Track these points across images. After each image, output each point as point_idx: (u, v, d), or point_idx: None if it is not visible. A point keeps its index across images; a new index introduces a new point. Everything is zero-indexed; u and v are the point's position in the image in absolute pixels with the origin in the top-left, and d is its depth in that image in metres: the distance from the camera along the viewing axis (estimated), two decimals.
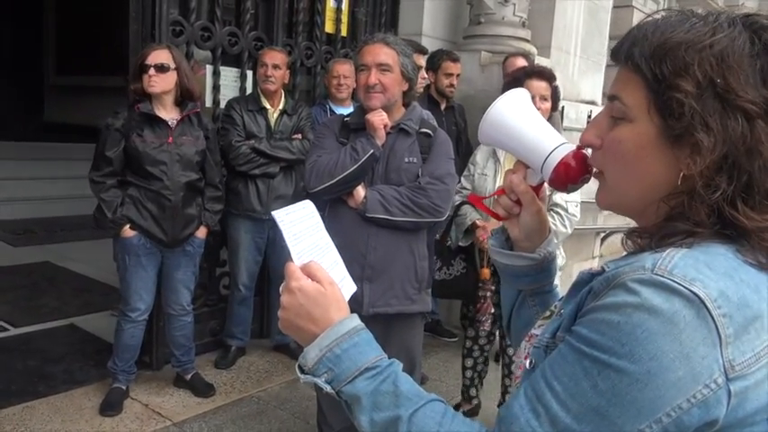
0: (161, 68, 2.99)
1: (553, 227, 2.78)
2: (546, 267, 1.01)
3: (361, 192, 2.35)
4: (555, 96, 2.96)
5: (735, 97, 0.70)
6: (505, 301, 1.11)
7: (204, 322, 3.80)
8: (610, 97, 0.81)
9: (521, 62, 4.00)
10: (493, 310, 2.99)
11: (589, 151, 0.88)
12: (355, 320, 0.86)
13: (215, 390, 3.42)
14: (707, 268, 0.68)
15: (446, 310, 4.75)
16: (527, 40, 4.83)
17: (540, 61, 4.62)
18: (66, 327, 4.22)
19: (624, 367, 0.65)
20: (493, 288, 2.97)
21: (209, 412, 3.23)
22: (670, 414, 0.65)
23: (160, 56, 3.00)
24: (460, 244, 3.02)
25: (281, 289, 0.88)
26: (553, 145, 0.90)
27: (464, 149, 4.39)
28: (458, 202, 2.98)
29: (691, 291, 0.65)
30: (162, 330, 3.46)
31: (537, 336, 0.87)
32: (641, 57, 0.75)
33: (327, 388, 0.82)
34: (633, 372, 0.65)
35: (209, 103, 3.76)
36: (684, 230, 0.73)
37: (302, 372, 0.85)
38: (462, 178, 3.08)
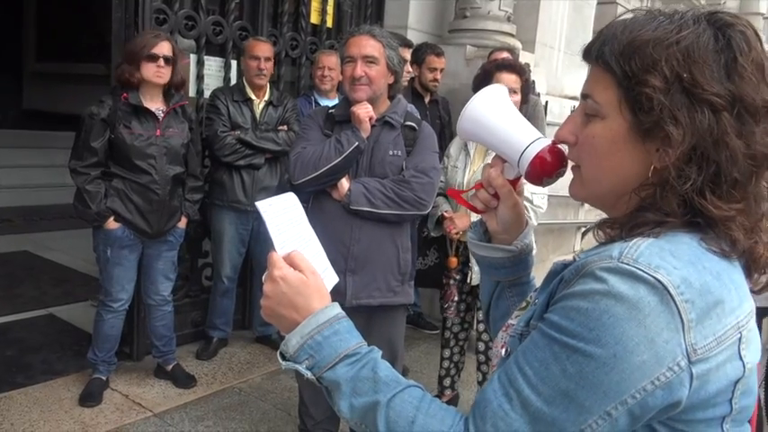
0: (168, 60, 2.99)
1: None
2: (523, 259, 1.04)
3: (345, 184, 2.35)
4: (525, 90, 3.00)
5: (701, 91, 0.73)
6: (484, 292, 1.14)
7: (186, 313, 3.78)
8: (582, 96, 0.84)
9: (506, 56, 4.01)
10: (456, 298, 3.09)
11: (565, 147, 0.90)
12: (336, 309, 0.87)
13: (196, 381, 3.41)
14: (671, 256, 0.70)
15: (428, 302, 4.77)
16: (512, 35, 4.85)
17: (525, 56, 4.64)
18: (44, 317, 4.18)
19: (591, 351, 0.68)
20: (457, 277, 3.06)
21: (191, 403, 3.22)
22: (635, 396, 0.68)
23: (166, 47, 2.99)
24: (433, 234, 3.07)
25: (263, 278, 0.89)
26: (529, 140, 0.93)
27: (447, 143, 4.40)
28: None
29: (655, 278, 0.68)
30: (142, 321, 3.44)
31: (513, 325, 0.90)
32: (611, 55, 0.78)
33: (308, 374, 0.84)
34: (600, 355, 0.68)
35: (192, 93, 3.73)
36: (654, 220, 0.76)
37: (283, 358, 0.86)
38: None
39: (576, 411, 0.69)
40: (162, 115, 3.07)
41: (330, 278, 0.98)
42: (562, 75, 5.54)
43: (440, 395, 3.31)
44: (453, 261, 3.04)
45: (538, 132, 0.94)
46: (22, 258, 5.40)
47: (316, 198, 2.42)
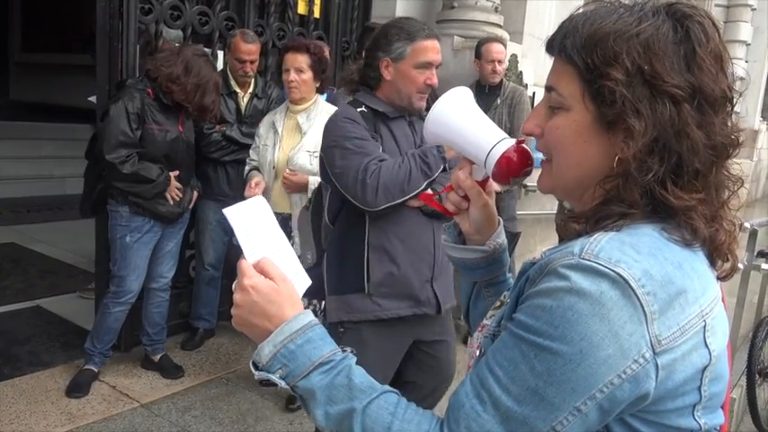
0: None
1: None
2: (497, 258, 1.05)
3: None
4: (315, 67, 3.07)
5: (662, 83, 0.74)
6: (463, 294, 1.14)
7: (173, 304, 3.78)
8: (547, 88, 0.85)
9: (497, 47, 4.02)
10: None
11: (531, 146, 0.91)
12: (309, 316, 0.86)
13: (184, 371, 3.42)
14: (632, 249, 0.71)
15: None
16: (500, 26, 4.85)
17: (513, 47, 4.65)
18: (31, 309, 4.16)
19: (557, 349, 0.69)
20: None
21: (178, 394, 3.23)
22: (603, 390, 0.69)
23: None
24: None
25: (233, 286, 0.88)
26: (495, 140, 0.93)
27: None
28: (246, 171, 3.26)
29: (615, 272, 0.69)
30: (134, 313, 3.43)
31: (487, 326, 0.90)
32: (573, 48, 0.79)
33: (282, 384, 0.83)
34: (566, 352, 0.68)
35: None
36: (618, 212, 0.77)
37: (256, 368, 0.85)
38: (251, 150, 3.29)
39: (547, 409, 0.69)
40: (180, 111, 3.14)
41: (302, 282, 0.96)
42: (550, 66, 5.55)
43: None
44: None
45: (503, 133, 0.95)
46: (8, 250, 5.37)
47: (386, 215, 2.08)
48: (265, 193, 3.04)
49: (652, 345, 0.68)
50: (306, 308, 0.88)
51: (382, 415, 0.78)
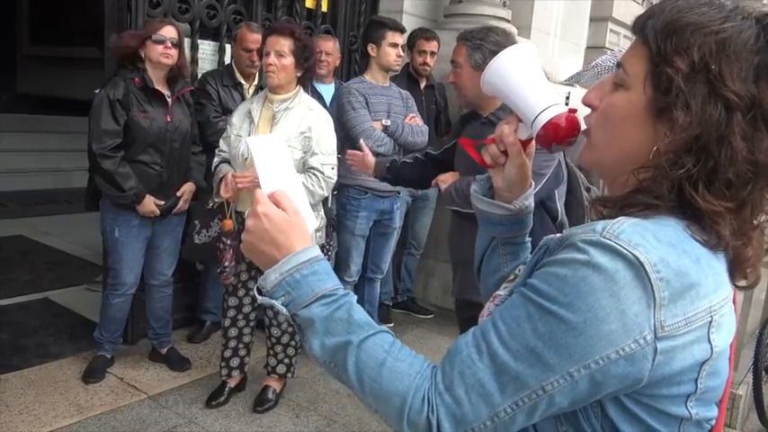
0: (175, 44, 3.02)
1: (311, 187, 2.87)
2: (521, 219, 1.05)
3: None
4: (298, 54, 2.87)
5: (722, 86, 0.74)
6: (479, 246, 1.15)
7: (179, 298, 3.79)
8: (618, 64, 0.85)
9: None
10: (232, 263, 2.95)
11: (581, 116, 0.91)
12: (316, 251, 0.88)
13: (190, 364, 3.44)
14: (653, 237, 0.72)
15: (421, 287, 4.80)
16: (507, 20, 4.83)
17: (521, 42, 4.63)
18: (39, 300, 4.19)
19: (563, 315, 0.71)
20: (229, 242, 2.93)
21: (185, 386, 3.25)
22: (598, 362, 0.70)
23: (173, 31, 3.03)
24: (216, 200, 2.99)
25: (246, 213, 0.90)
26: (547, 103, 0.93)
27: (443, 128, 4.40)
28: (216, 163, 3.02)
29: (633, 254, 0.70)
30: (140, 305, 3.45)
31: (500, 296, 0.92)
32: (652, 30, 0.79)
33: (283, 310, 0.85)
34: (570, 320, 0.70)
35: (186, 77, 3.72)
36: (644, 202, 0.77)
37: (260, 294, 0.88)
38: (221, 140, 3.06)
39: (541, 369, 0.71)
40: (171, 101, 3.12)
41: (311, 223, 0.98)
42: (558, 61, 5.53)
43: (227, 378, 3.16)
44: (227, 223, 2.93)
45: (557, 98, 0.95)
46: (16, 243, 5.40)
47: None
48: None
49: (655, 329, 0.70)
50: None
51: (377, 351, 0.80)
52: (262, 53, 2.92)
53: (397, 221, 3.92)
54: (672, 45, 0.76)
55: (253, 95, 3.61)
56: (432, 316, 4.58)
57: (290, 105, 2.90)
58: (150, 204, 3.06)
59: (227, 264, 2.94)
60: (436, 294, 4.79)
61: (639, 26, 0.82)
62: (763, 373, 3.53)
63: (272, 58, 2.81)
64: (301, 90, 2.98)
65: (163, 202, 3.14)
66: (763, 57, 0.75)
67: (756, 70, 0.74)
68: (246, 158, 2.86)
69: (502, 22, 4.73)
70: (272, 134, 0.87)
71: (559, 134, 0.92)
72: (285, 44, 2.82)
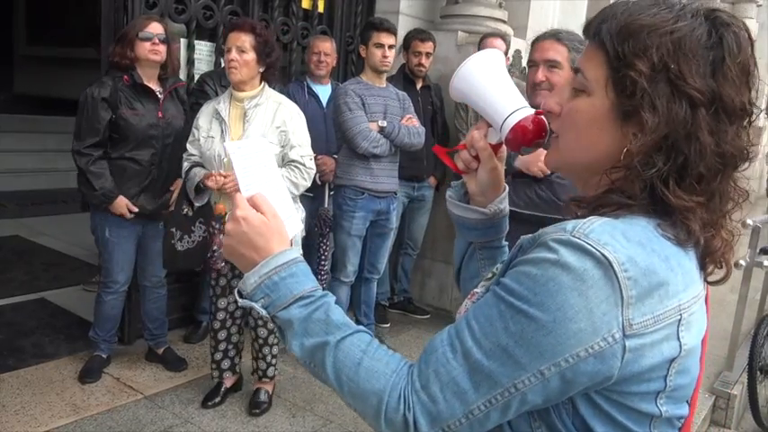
0: (162, 40, 3.02)
1: (294, 180, 2.89)
2: (496, 223, 1.07)
3: None
4: (260, 49, 2.89)
5: (683, 83, 0.75)
6: (457, 252, 1.17)
7: (175, 298, 3.80)
8: (574, 70, 0.86)
9: (497, 43, 4.02)
10: (221, 247, 2.91)
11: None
12: (294, 253, 0.90)
13: (187, 364, 3.44)
14: (622, 236, 0.73)
15: (418, 288, 4.81)
16: (504, 21, 4.84)
17: (517, 42, 4.64)
18: (36, 301, 4.19)
19: (533, 314, 0.72)
20: (218, 226, 2.91)
21: (181, 386, 3.26)
22: (568, 360, 0.72)
23: (160, 28, 3.03)
24: (197, 204, 2.98)
25: (226, 217, 0.91)
26: (514, 107, 0.95)
27: (440, 130, 4.41)
28: (186, 168, 2.98)
29: (601, 253, 0.71)
30: (134, 305, 3.46)
31: (477, 294, 0.93)
32: (607, 34, 0.80)
33: (263, 312, 0.87)
34: (540, 319, 0.72)
35: (183, 78, 3.72)
36: (617, 202, 0.79)
37: (241, 296, 0.90)
38: (188, 145, 3.02)
39: (512, 367, 0.73)
40: (162, 97, 3.11)
41: (293, 225, 0.99)
42: None
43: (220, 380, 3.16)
44: (220, 208, 2.89)
45: (524, 101, 0.97)
46: (13, 243, 5.40)
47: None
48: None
49: (623, 327, 0.71)
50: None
51: (354, 351, 0.82)
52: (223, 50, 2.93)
53: (394, 222, 3.93)
54: (630, 48, 0.77)
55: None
56: (428, 316, 4.59)
57: (260, 101, 2.93)
58: (122, 206, 3.04)
59: (215, 247, 2.95)
60: (433, 294, 4.80)
61: (593, 31, 0.83)
62: (758, 373, 3.55)
63: (234, 54, 2.84)
64: (266, 85, 3.01)
65: (148, 207, 3.12)
66: (717, 52, 0.76)
67: (713, 65, 0.76)
68: (225, 159, 2.85)
69: (498, 23, 4.75)
70: (252, 138, 0.87)
71: (527, 136, 0.93)
72: (246, 40, 2.85)
